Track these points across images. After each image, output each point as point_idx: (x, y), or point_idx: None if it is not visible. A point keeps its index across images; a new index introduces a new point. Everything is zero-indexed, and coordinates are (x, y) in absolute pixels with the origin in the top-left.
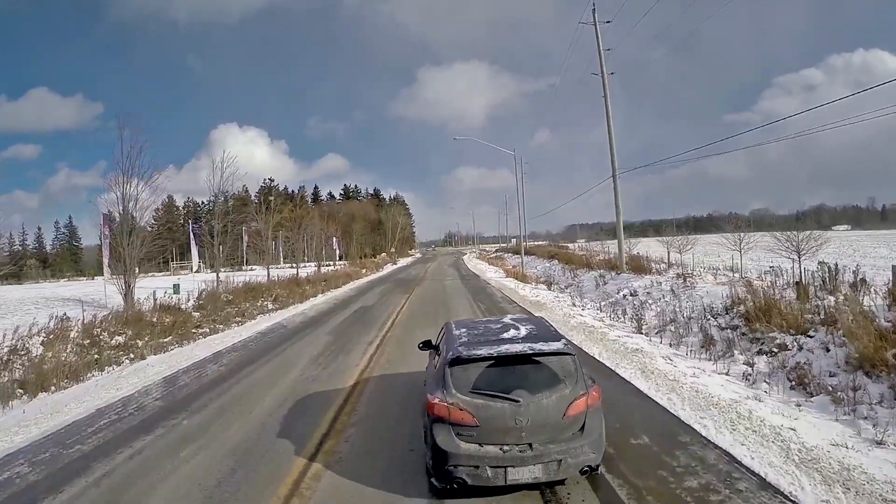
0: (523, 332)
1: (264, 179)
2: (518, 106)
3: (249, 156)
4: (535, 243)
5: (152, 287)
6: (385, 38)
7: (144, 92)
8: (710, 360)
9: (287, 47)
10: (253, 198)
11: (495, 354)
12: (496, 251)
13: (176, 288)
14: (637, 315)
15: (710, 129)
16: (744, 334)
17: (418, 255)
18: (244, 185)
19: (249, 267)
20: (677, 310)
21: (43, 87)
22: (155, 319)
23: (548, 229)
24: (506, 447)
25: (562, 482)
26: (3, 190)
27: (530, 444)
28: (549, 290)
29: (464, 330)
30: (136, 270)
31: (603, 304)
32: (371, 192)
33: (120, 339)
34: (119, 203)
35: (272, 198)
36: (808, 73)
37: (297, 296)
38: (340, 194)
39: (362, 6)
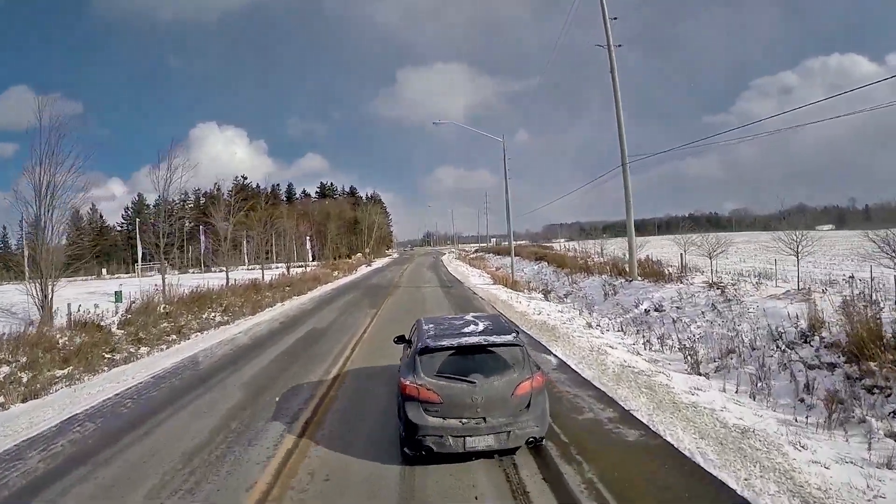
0: (481, 326)
1: (236, 177)
2: (496, 107)
3: (229, 155)
4: (517, 243)
5: (102, 291)
6: (365, 38)
7: (123, 90)
8: (824, 426)
9: (267, 47)
10: (225, 196)
11: (456, 345)
12: (476, 251)
13: (118, 296)
14: (682, 342)
15: (688, 130)
16: (851, 378)
17: (395, 256)
18: (216, 184)
19: (219, 269)
20: (729, 334)
21: (23, 84)
22: (64, 340)
23: (527, 228)
24: (464, 420)
25: (513, 451)
26: None
27: (484, 418)
28: (548, 300)
29: (432, 325)
30: (55, 275)
31: (621, 321)
32: (348, 190)
33: (6, 369)
34: (35, 199)
35: (229, 197)
36: (784, 76)
37: (251, 305)
38: (316, 192)
39: (342, 7)
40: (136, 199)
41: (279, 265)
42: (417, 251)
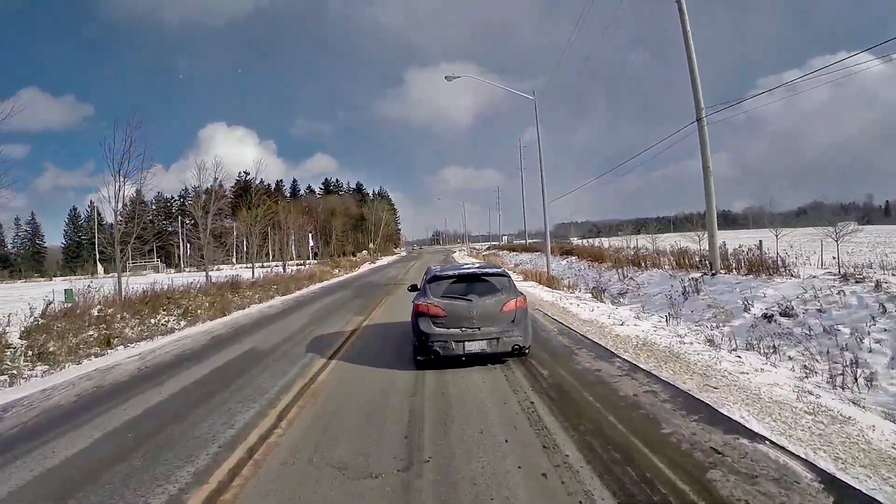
0: (477, 264)
1: (239, 173)
2: (503, 106)
3: (238, 154)
4: (528, 241)
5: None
6: (371, 40)
7: (134, 92)
8: None
9: (275, 49)
10: (227, 192)
11: (457, 273)
12: (487, 249)
13: (68, 294)
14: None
15: (694, 128)
16: None
17: (403, 254)
18: (217, 179)
19: (216, 267)
20: None
21: (34, 86)
22: None
23: (538, 228)
24: (463, 329)
25: (502, 357)
26: None
27: (479, 328)
28: (604, 302)
29: (439, 266)
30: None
31: (746, 333)
32: (354, 186)
33: None
34: None
35: (205, 195)
36: (790, 75)
37: (219, 307)
38: (321, 189)
39: (348, 10)
40: (134, 195)
41: (279, 263)
42: (426, 249)
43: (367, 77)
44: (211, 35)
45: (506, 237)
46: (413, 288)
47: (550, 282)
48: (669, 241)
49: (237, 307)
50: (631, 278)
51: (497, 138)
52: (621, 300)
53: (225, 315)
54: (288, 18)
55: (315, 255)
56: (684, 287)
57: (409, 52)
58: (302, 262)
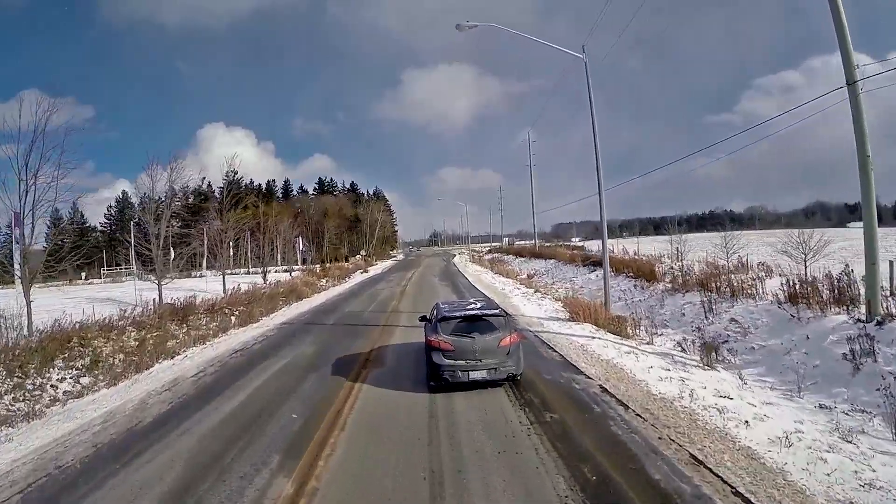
0: (478, 305)
1: (227, 172)
2: (501, 107)
3: (236, 155)
4: (522, 243)
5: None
6: (369, 42)
7: (133, 93)
8: None
9: (273, 51)
10: (216, 193)
11: (462, 315)
12: (488, 251)
13: None
14: None
15: (691, 130)
16: None
17: (400, 258)
18: (204, 178)
19: (199, 273)
20: None
21: (35, 88)
22: None
23: (539, 228)
24: (468, 361)
25: (499, 384)
26: None
27: (480, 360)
28: (713, 367)
29: (446, 305)
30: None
31: None
32: (348, 186)
33: None
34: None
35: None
36: (786, 75)
37: (154, 348)
38: (315, 189)
39: (346, 13)
40: (121, 196)
41: (270, 269)
42: (424, 252)
43: (364, 78)
44: (210, 37)
45: (507, 238)
46: (423, 319)
47: (619, 326)
48: (696, 243)
49: (171, 352)
50: (713, 312)
51: (494, 138)
52: (730, 358)
53: (147, 370)
54: (287, 22)
55: (304, 261)
56: (852, 352)
57: (407, 53)
58: (289, 268)
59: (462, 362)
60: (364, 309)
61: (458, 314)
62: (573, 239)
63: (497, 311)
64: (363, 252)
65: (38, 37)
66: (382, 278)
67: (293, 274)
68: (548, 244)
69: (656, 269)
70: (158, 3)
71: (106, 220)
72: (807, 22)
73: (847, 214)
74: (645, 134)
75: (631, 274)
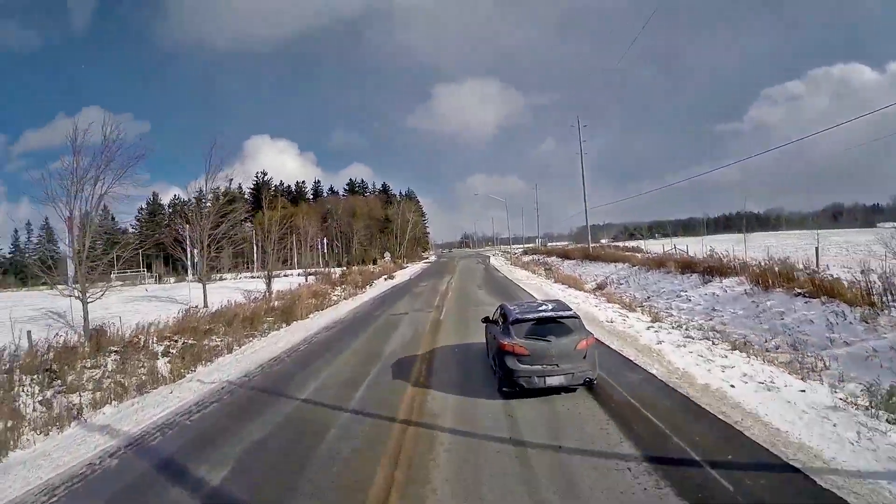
0: (550, 306)
1: (257, 174)
2: (525, 117)
3: (280, 165)
4: (553, 244)
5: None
6: (401, 60)
7: (185, 108)
8: None
9: (313, 69)
10: (247, 195)
11: (536, 318)
12: (524, 252)
13: None
14: None
15: (703, 137)
16: None
17: (432, 259)
18: (232, 180)
19: (220, 276)
20: None
21: (96, 105)
22: None
23: (559, 231)
24: (544, 365)
25: (574, 388)
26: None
27: (557, 364)
28: None
29: (515, 307)
30: None
31: None
32: (379, 188)
33: None
34: None
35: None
36: (791, 86)
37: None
38: (345, 190)
39: (379, 35)
40: (151, 198)
41: (289, 272)
42: (457, 253)
43: (398, 92)
44: (256, 57)
45: (538, 239)
46: (485, 320)
47: None
48: (755, 243)
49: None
50: None
51: (518, 147)
52: None
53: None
54: (326, 43)
55: (327, 264)
56: None
57: (436, 70)
58: (305, 272)
59: (538, 367)
60: (348, 380)
61: (531, 316)
62: (602, 240)
63: (570, 312)
64: (388, 256)
65: (100, 59)
66: (408, 290)
67: (308, 279)
68: (573, 244)
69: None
70: (209, 28)
71: (136, 222)
72: (806, 34)
73: (871, 215)
74: (662, 140)
75: (804, 291)
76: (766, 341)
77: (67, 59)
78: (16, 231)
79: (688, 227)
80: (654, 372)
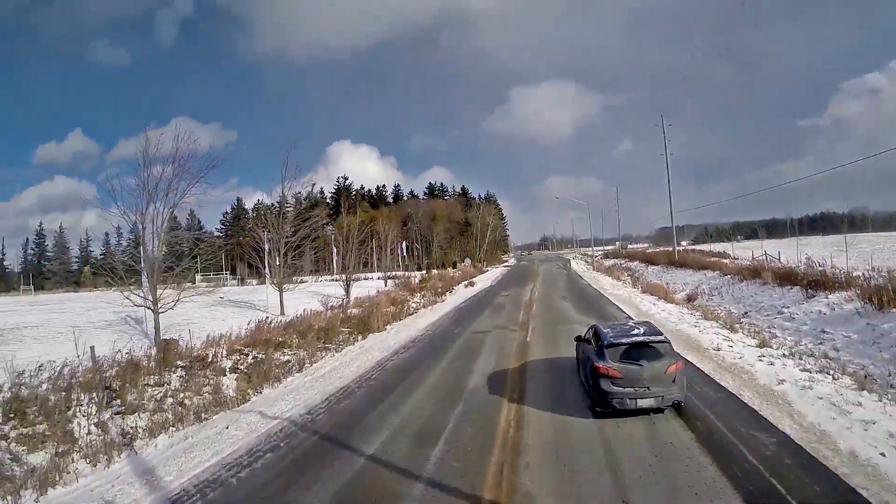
0: (642, 330)
1: (338, 178)
2: (601, 118)
3: (362, 169)
4: (634, 247)
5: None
6: (477, 63)
7: (269, 117)
8: None
9: (392, 75)
10: (328, 199)
11: (629, 342)
12: (604, 256)
13: None
14: None
15: (782, 134)
16: None
17: (512, 262)
18: (314, 185)
19: (300, 279)
20: None
21: (184, 115)
22: None
23: (637, 233)
24: (636, 388)
25: (661, 411)
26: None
27: (648, 387)
28: None
29: (609, 330)
30: None
31: None
32: (459, 191)
33: None
34: None
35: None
36: (872, 77)
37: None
38: (425, 193)
39: (455, 40)
40: (235, 203)
41: (369, 276)
42: (536, 256)
43: (475, 96)
44: (336, 66)
45: (618, 242)
46: (578, 339)
47: None
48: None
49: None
50: None
51: (595, 148)
52: None
53: None
54: (403, 50)
55: (406, 268)
56: None
57: (512, 73)
58: (384, 276)
59: (631, 390)
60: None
61: (624, 341)
62: (682, 243)
63: (662, 336)
64: (467, 261)
65: (189, 72)
66: (489, 301)
67: (387, 284)
68: (653, 245)
69: None
70: (290, 39)
71: (222, 226)
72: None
73: None
74: (739, 138)
75: None
76: (889, 374)
77: (157, 72)
78: (106, 234)
79: (771, 229)
80: (787, 431)
